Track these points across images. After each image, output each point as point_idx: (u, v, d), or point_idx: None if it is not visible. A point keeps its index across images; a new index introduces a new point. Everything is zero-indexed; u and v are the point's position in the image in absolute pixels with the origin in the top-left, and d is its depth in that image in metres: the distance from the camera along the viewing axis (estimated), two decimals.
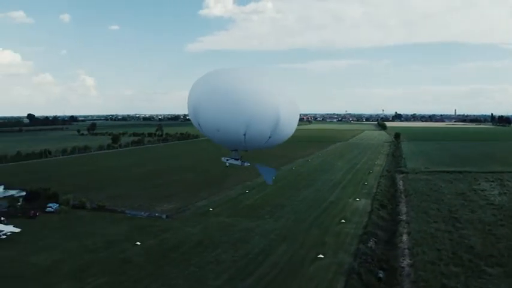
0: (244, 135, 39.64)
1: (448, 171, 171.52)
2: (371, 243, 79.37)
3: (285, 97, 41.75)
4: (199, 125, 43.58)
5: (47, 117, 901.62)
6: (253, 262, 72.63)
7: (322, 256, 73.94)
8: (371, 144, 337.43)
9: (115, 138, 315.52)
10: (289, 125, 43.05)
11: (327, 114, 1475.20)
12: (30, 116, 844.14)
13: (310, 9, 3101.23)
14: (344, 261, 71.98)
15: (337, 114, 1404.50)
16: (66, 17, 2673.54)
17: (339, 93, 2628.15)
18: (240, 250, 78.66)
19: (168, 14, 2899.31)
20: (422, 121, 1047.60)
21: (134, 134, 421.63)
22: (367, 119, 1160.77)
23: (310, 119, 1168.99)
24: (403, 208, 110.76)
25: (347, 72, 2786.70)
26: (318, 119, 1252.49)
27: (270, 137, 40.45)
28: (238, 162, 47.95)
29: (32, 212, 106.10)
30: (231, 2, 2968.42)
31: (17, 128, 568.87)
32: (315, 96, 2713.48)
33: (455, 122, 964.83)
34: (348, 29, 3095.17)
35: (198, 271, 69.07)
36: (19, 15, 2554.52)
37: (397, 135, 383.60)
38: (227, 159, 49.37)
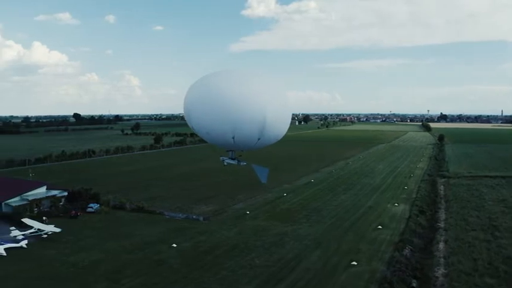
0: (233, 138, 42.10)
1: (491, 176, 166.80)
2: (406, 251, 78.18)
3: (273, 99, 43.23)
4: (193, 128, 46.92)
5: (92, 117, 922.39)
6: (286, 267, 72.75)
7: (355, 263, 73.44)
8: (414, 147, 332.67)
9: (157, 139, 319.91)
10: (279, 126, 45.25)
11: (371, 114, 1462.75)
12: (76, 115, 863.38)
13: (354, 8, 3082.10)
14: (377, 269, 71.28)
15: (381, 115, 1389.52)
16: (111, 18, 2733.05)
17: (384, 92, 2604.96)
18: (274, 255, 78.86)
19: (211, 15, 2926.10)
20: (468, 122, 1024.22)
21: (177, 134, 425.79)
22: (412, 120, 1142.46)
23: (353, 119, 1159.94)
24: (442, 214, 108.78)
25: (392, 72, 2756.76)
26: (362, 119, 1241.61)
27: (259, 139, 42.74)
28: (234, 162, 51.17)
29: (73, 212, 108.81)
30: (273, 2, 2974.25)
31: (63, 127, 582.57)
32: (359, 96, 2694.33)
33: (501, 123, 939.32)
34: (392, 28, 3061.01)
35: (230, 275, 69.64)
36: (65, 16, 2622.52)
37: (441, 137, 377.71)
38: (223, 159, 53.04)
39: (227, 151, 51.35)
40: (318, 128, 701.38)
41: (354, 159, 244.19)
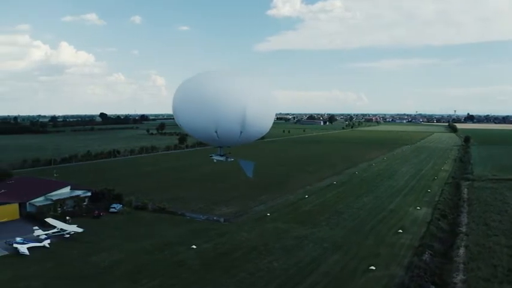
0: (216, 132, 44.17)
1: None
2: (426, 256, 77.59)
3: (252, 95, 45.24)
4: (180, 125, 49.12)
5: (118, 116, 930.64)
6: (304, 271, 72.77)
7: (374, 268, 73.12)
8: (439, 148, 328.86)
9: (182, 139, 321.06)
10: (261, 121, 47.03)
11: (397, 114, 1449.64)
12: (102, 115, 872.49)
13: (380, 6, 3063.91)
14: (396, 274, 70.93)
15: (408, 115, 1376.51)
16: (137, 19, 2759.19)
17: (410, 92, 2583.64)
18: (293, 258, 78.90)
19: (236, 15, 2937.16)
20: (495, 123, 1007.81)
21: None
22: (438, 120, 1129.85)
23: (379, 119, 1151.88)
24: (464, 219, 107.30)
25: (418, 71, 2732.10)
26: (388, 119, 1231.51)
27: (241, 132, 44.50)
28: (223, 159, 52.88)
29: (96, 212, 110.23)
30: (298, 2, 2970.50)
31: (90, 127, 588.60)
32: (385, 96, 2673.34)
33: None
34: (419, 27, 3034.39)
35: (248, 278, 69.99)
36: (92, 17, 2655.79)
37: (467, 139, 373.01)
38: (211, 155, 54.96)
39: (217, 148, 53.02)
40: (343, 128, 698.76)
41: (377, 160, 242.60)
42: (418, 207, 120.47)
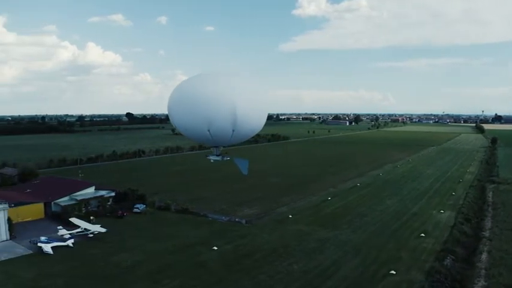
0: (209, 131, 45.87)
1: None
2: (447, 261, 76.67)
3: (243, 95, 47.11)
4: (175, 125, 50.84)
5: (144, 116, 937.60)
6: (323, 274, 72.70)
7: (394, 272, 72.64)
8: (466, 150, 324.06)
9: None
10: (252, 120, 48.63)
11: (424, 114, 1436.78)
12: (129, 115, 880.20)
13: (406, 5, 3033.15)
14: (416, 280, 70.31)
15: (434, 115, 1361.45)
16: (163, 19, 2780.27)
17: (437, 92, 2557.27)
18: (313, 261, 78.86)
19: (261, 15, 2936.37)
20: None
21: None
22: (465, 121, 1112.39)
23: (405, 120, 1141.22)
24: (488, 223, 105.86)
25: (445, 71, 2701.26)
26: (414, 120, 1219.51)
27: (233, 131, 46.20)
28: (219, 158, 54.66)
29: (120, 212, 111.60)
30: (324, 1, 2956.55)
31: (116, 127, 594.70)
32: (411, 95, 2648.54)
33: None
34: (446, 26, 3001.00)
35: (267, 280, 70.23)
36: (118, 18, 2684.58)
37: (493, 140, 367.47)
38: (208, 156, 56.55)
39: (212, 148, 54.81)
40: (369, 129, 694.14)
41: (402, 162, 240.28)
42: (442, 211, 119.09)
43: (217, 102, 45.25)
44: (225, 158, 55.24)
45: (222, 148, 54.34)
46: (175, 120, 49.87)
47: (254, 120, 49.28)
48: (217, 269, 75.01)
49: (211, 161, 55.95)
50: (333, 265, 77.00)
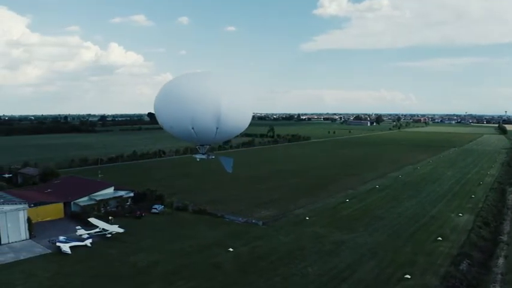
0: (193, 128, 46.86)
1: None
2: (463, 266, 75.96)
3: (226, 92, 48.27)
4: (161, 124, 51.69)
5: None
6: (338, 277, 72.62)
7: (409, 276, 72.18)
8: (487, 151, 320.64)
9: (226, 140, 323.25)
10: (236, 117, 49.35)
11: (446, 115, 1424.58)
12: (150, 115, 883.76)
13: (428, 5, 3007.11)
14: (430, 284, 69.83)
15: (457, 115, 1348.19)
16: (184, 20, 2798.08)
17: (459, 92, 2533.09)
18: (328, 263, 78.83)
19: (282, 15, 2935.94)
20: None
21: (246, 135, 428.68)
22: (488, 121, 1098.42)
23: (427, 120, 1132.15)
24: (506, 227, 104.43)
25: (468, 70, 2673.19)
26: (436, 120, 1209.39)
27: (217, 129, 47.06)
28: (204, 157, 55.17)
29: (138, 212, 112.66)
30: (345, 0, 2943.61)
31: (137, 127, 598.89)
32: (434, 95, 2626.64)
33: None
34: (468, 25, 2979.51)
35: (282, 282, 70.37)
36: (140, 18, 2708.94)
37: None
38: (194, 155, 57.43)
39: (198, 147, 55.39)
40: (390, 129, 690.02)
41: (423, 163, 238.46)
42: (460, 214, 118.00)
43: (201, 100, 46.21)
44: (210, 157, 56.22)
45: (208, 147, 55.04)
46: (161, 118, 50.83)
47: (238, 118, 50.09)
48: (232, 271, 75.43)
49: (197, 159, 56.80)
50: (348, 268, 76.86)
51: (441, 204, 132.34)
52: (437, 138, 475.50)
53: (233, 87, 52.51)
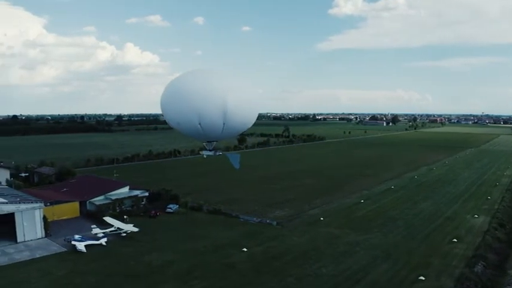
0: (200, 124, 46.38)
1: None
2: (478, 268, 75.35)
3: (232, 88, 48.15)
4: (168, 121, 51.84)
5: None
6: (352, 279, 72.38)
7: (423, 278, 71.69)
8: (504, 152, 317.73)
9: (241, 140, 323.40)
10: (243, 113, 48.93)
11: (463, 115, 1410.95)
12: None
13: (445, 4, 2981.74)
14: (445, 286, 69.32)
15: (474, 116, 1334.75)
16: (200, 20, 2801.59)
17: (476, 92, 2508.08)
18: (342, 264, 78.63)
19: (298, 14, 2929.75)
20: None
21: (261, 135, 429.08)
22: (505, 122, 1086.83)
23: (443, 120, 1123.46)
24: None
25: (485, 70, 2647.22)
26: (453, 120, 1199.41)
27: (224, 124, 46.76)
28: (211, 153, 55.59)
29: (153, 212, 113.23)
30: (360, 0, 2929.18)
31: (153, 126, 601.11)
32: (450, 95, 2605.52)
33: None
34: (485, 24, 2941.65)
35: (295, 283, 70.32)
36: (156, 18, 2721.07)
37: None
38: (200, 151, 58.47)
39: (205, 143, 55.32)
40: (406, 129, 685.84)
41: (439, 164, 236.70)
42: (476, 215, 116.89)
43: (208, 96, 46.14)
44: (218, 153, 56.34)
45: (214, 143, 54.83)
46: (167, 115, 50.94)
47: (245, 113, 49.87)
48: (246, 271, 75.52)
49: (205, 156, 56.91)
50: (362, 269, 76.50)
51: (457, 205, 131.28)
52: (454, 138, 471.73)
53: (239, 82, 52.76)
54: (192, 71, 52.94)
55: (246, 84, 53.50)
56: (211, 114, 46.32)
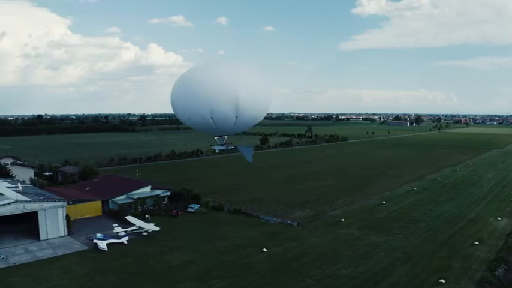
0: (212, 118, 46.61)
1: None
2: (499, 271, 74.47)
3: (245, 83, 48.08)
4: (179, 116, 52.54)
5: None
6: (371, 281, 72.04)
7: (443, 281, 70.98)
8: None
9: (263, 140, 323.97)
10: (255, 106, 49.18)
11: (488, 115, 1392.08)
12: None
13: (469, 3, 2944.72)
14: None
15: (499, 116, 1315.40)
16: (223, 20, 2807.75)
17: (501, 93, 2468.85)
18: (361, 266, 78.24)
19: (321, 14, 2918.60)
20: None
21: (284, 135, 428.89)
22: None
23: (468, 121, 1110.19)
24: None
25: (510, 70, 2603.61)
26: (478, 121, 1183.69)
27: (236, 118, 47.07)
28: (224, 147, 55.82)
29: (175, 211, 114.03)
30: None
31: (176, 126, 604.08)
32: (475, 95, 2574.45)
33: None
34: (509, 23, 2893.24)
35: (314, 284, 70.29)
36: (179, 19, 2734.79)
37: None
38: (214, 147, 58.19)
39: (217, 138, 55.35)
40: (430, 130, 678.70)
41: (462, 165, 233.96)
42: (499, 218, 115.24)
43: (219, 89, 46.09)
44: (230, 147, 56.72)
45: (226, 137, 54.91)
46: (178, 110, 51.17)
47: (257, 106, 50.01)
48: (265, 272, 75.69)
49: (216, 151, 57.60)
50: (382, 271, 76.10)
51: (480, 207, 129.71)
52: (478, 139, 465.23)
53: (251, 76, 52.31)
54: (201, 64, 53.83)
55: (258, 77, 53.07)
56: (224, 108, 46.37)
